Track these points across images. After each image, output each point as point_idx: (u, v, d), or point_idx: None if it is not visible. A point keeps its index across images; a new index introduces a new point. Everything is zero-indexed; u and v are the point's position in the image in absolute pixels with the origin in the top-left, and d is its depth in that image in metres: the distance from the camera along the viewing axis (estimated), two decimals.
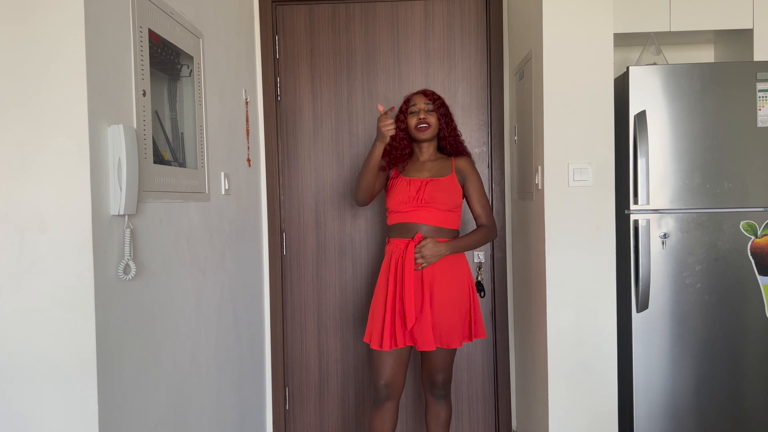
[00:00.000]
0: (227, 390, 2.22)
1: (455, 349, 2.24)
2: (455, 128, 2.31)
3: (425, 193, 2.17)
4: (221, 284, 2.18)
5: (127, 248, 1.44)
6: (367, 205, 2.31)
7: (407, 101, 2.29)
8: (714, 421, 2.26)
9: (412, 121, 2.24)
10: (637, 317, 2.26)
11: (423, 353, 2.25)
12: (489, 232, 2.25)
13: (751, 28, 2.58)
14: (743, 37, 2.66)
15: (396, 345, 2.14)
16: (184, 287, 1.83)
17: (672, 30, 2.61)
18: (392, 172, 2.30)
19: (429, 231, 2.17)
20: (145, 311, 1.57)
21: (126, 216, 1.44)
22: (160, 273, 1.66)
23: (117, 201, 1.40)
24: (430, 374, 2.27)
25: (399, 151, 2.26)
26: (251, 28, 2.75)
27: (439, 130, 2.27)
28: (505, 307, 2.81)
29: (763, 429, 2.26)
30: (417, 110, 2.24)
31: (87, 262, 1.32)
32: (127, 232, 1.44)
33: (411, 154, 2.32)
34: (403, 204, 2.20)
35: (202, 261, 1.98)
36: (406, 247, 2.15)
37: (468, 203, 2.28)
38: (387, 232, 2.31)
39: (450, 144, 2.29)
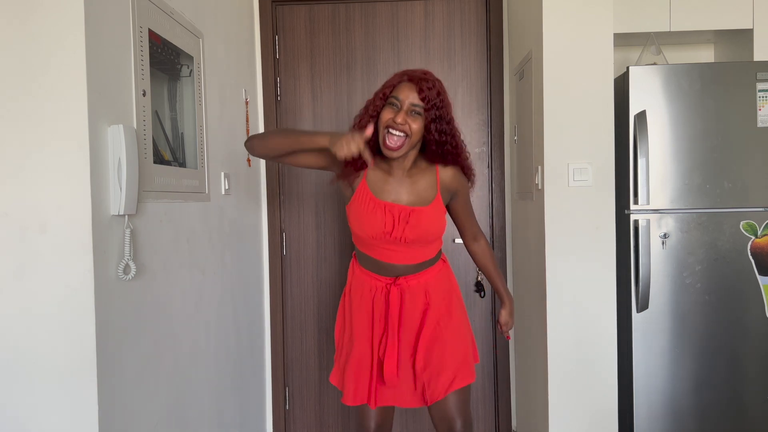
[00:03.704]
0: (227, 390, 2.22)
1: (468, 387, 1.82)
2: (455, 135, 1.69)
3: (407, 230, 1.65)
4: (221, 284, 2.18)
5: (127, 248, 1.43)
6: (258, 157, 1.77)
7: (391, 86, 1.65)
8: (714, 421, 2.26)
9: (384, 117, 1.61)
10: (637, 317, 2.26)
11: (432, 406, 1.79)
12: (490, 247, 1.96)
13: (751, 28, 2.58)
14: (743, 37, 2.66)
15: (376, 404, 1.75)
16: (184, 287, 1.83)
17: (672, 30, 2.61)
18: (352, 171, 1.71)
19: (412, 269, 1.74)
20: (145, 311, 1.57)
21: (126, 216, 1.44)
22: (160, 273, 1.65)
23: (117, 201, 1.40)
24: (446, 422, 1.77)
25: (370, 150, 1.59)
26: (251, 28, 2.75)
27: (428, 141, 1.67)
28: None
29: (763, 429, 2.26)
30: (397, 106, 1.61)
31: (87, 262, 1.32)
32: (127, 232, 1.43)
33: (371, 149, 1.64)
34: (375, 239, 1.69)
35: (202, 261, 1.98)
36: (386, 288, 1.73)
37: (454, 218, 1.86)
38: (356, 252, 1.85)
39: (450, 153, 1.70)
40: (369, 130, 1.52)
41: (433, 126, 1.63)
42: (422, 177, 1.73)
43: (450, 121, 1.67)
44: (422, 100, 1.61)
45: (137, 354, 1.53)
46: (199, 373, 1.93)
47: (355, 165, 1.68)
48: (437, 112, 1.63)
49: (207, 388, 2.01)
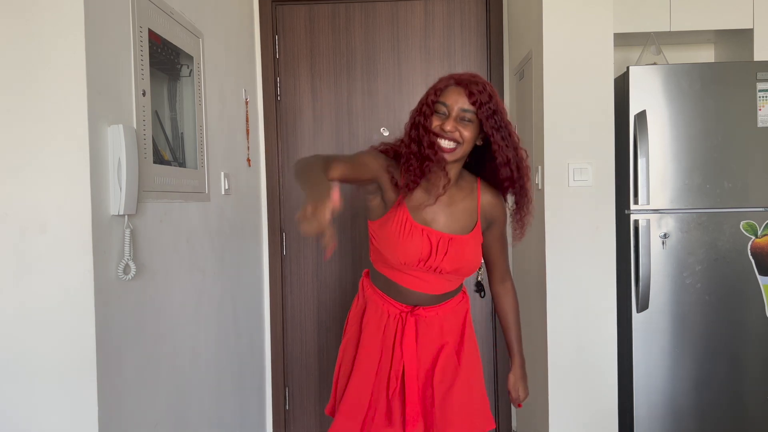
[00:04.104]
0: (227, 390, 2.22)
1: None
2: (517, 149, 1.48)
3: (445, 261, 1.47)
4: (221, 284, 2.18)
5: (127, 248, 1.43)
6: None
7: (437, 91, 1.45)
8: (714, 421, 2.26)
9: (435, 123, 1.43)
10: (637, 317, 2.26)
11: None
12: (516, 297, 1.72)
13: (751, 28, 2.58)
14: (743, 37, 2.66)
15: None
16: (184, 287, 1.83)
17: (672, 30, 2.61)
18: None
19: (430, 300, 1.55)
20: (145, 311, 1.57)
21: (126, 216, 1.44)
22: (160, 273, 1.65)
23: (117, 201, 1.40)
24: None
25: (428, 164, 1.42)
26: (251, 28, 2.75)
27: (489, 150, 1.47)
28: None
29: (764, 429, 2.26)
30: (446, 113, 1.43)
31: (87, 262, 1.32)
32: (127, 232, 1.43)
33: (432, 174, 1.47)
34: (407, 267, 1.49)
35: (202, 261, 1.98)
36: (402, 317, 1.54)
37: (485, 251, 1.64)
38: (371, 270, 1.66)
39: (510, 176, 1.48)
40: (335, 195, 1.13)
41: (493, 136, 1.43)
42: (462, 200, 1.53)
43: (509, 132, 1.45)
44: (473, 104, 1.41)
45: (137, 354, 1.52)
46: (199, 373, 1.93)
47: (409, 187, 1.45)
48: (495, 122, 1.42)
49: (207, 388, 2.00)
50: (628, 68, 2.24)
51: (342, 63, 2.82)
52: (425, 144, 1.42)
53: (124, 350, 1.46)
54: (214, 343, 2.09)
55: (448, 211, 1.51)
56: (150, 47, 1.62)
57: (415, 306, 1.55)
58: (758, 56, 2.57)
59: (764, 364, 2.25)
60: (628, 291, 2.29)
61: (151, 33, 1.63)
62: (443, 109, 1.43)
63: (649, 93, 2.23)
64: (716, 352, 2.25)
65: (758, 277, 2.25)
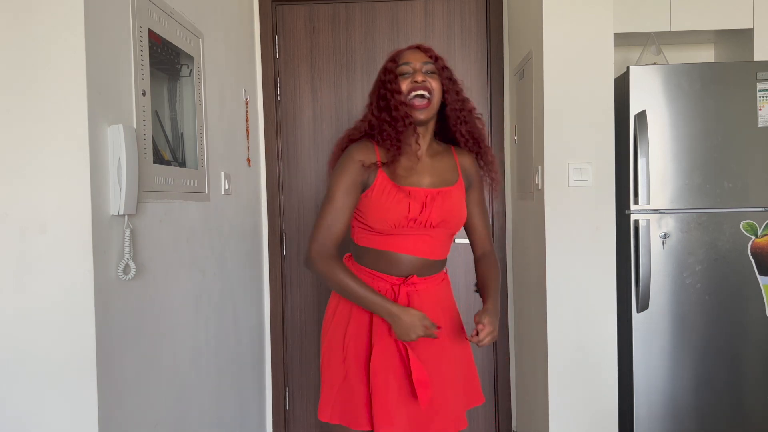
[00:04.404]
0: (227, 390, 2.22)
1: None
2: (467, 99, 1.59)
3: (434, 212, 1.51)
4: (221, 284, 2.18)
5: (127, 248, 1.43)
6: None
7: (393, 59, 1.55)
8: (714, 421, 2.26)
9: (404, 86, 1.50)
10: (637, 317, 2.26)
11: None
12: (498, 265, 1.69)
13: (751, 28, 2.58)
14: (743, 37, 2.66)
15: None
16: (184, 287, 1.83)
17: (672, 30, 2.61)
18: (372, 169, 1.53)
19: (422, 267, 1.56)
20: (145, 311, 1.57)
21: (126, 216, 1.44)
22: (160, 273, 1.65)
23: (117, 201, 1.40)
24: None
25: (401, 129, 1.50)
26: (251, 28, 2.75)
27: (444, 105, 1.57)
28: (505, 307, 2.81)
29: (764, 429, 2.26)
30: (411, 70, 1.51)
31: (87, 263, 1.32)
32: (127, 232, 1.43)
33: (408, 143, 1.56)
34: (398, 226, 1.50)
35: (202, 261, 1.98)
36: (394, 290, 1.53)
37: (468, 218, 1.68)
38: (352, 250, 1.64)
39: (463, 125, 1.57)
40: (436, 332, 1.44)
41: (451, 90, 1.55)
42: (441, 159, 1.60)
43: (459, 88, 1.58)
44: (431, 57, 1.54)
45: (137, 354, 1.52)
46: (199, 373, 1.93)
47: (391, 156, 1.53)
48: (449, 74, 1.56)
49: (207, 388, 2.01)
50: (628, 68, 2.24)
51: (342, 63, 2.82)
52: (395, 106, 1.49)
53: (124, 350, 1.46)
54: (214, 343, 2.09)
55: (432, 171, 1.57)
56: (150, 47, 1.62)
57: (408, 277, 1.54)
58: (758, 56, 2.57)
59: (764, 364, 2.25)
60: (628, 291, 2.29)
61: (151, 33, 1.63)
62: (407, 68, 1.52)
63: (649, 93, 2.23)
64: (716, 352, 2.25)
65: (758, 277, 2.25)
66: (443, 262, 1.64)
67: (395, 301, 1.52)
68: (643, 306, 2.25)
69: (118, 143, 1.39)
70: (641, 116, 2.22)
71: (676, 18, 2.60)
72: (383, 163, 1.52)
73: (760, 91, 2.22)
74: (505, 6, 2.76)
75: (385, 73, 1.54)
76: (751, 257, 2.25)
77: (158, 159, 1.67)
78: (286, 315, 2.88)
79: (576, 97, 2.07)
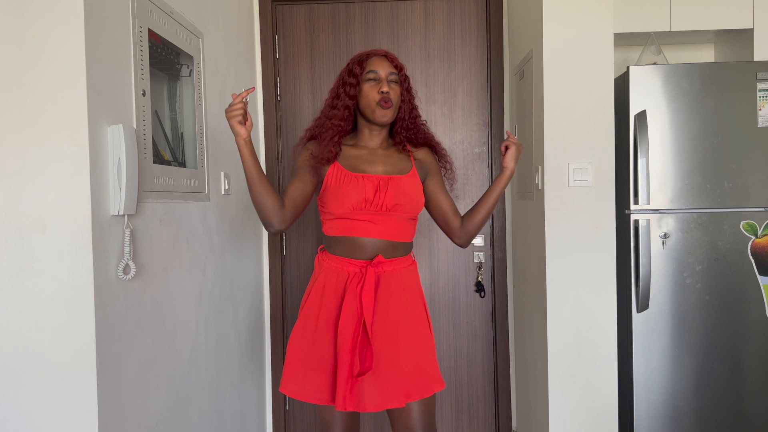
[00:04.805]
0: (227, 390, 2.22)
1: (435, 397, 1.74)
2: (417, 108, 1.80)
3: (387, 196, 1.65)
4: (221, 284, 2.18)
5: (126, 248, 1.43)
6: (286, 227, 1.64)
7: (360, 62, 1.71)
8: (714, 421, 2.26)
9: (371, 94, 1.67)
10: (637, 317, 2.26)
11: (394, 414, 1.69)
12: None
13: (751, 28, 2.58)
14: (743, 37, 2.66)
15: (350, 407, 1.61)
16: (184, 287, 1.83)
17: (672, 30, 2.61)
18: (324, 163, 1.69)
19: (389, 249, 1.68)
20: (145, 311, 1.57)
21: (126, 216, 1.44)
22: (160, 273, 1.65)
23: (117, 201, 1.40)
24: None
25: (344, 134, 1.72)
26: (251, 28, 2.75)
27: (400, 115, 1.76)
28: (505, 307, 2.81)
29: (764, 429, 2.26)
30: (377, 79, 1.68)
31: (87, 262, 1.32)
32: (127, 232, 1.44)
33: (345, 134, 1.74)
34: (356, 210, 1.64)
35: (202, 261, 1.98)
36: (361, 271, 1.65)
37: (434, 201, 1.80)
38: (324, 242, 1.76)
39: (410, 129, 1.77)
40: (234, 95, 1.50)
41: (406, 98, 1.75)
42: (395, 153, 1.78)
43: (413, 97, 1.79)
44: (396, 68, 1.72)
45: (137, 354, 1.53)
46: (199, 373, 1.94)
47: (322, 157, 1.69)
48: (408, 85, 1.76)
49: (207, 388, 2.01)
50: (628, 68, 2.24)
51: (342, 63, 2.81)
52: (344, 118, 1.72)
53: (124, 350, 1.46)
54: (214, 342, 2.09)
55: (385, 161, 1.74)
56: (150, 47, 1.62)
57: (372, 259, 1.67)
58: (758, 56, 2.57)
59: (764, 364, 2.26)
60: (628, 291, 2.29)
61: (151, 33, 1.63)
62: (374, 76, 1.69)
63: (649, 93, 2.23)
64: (716, 352, 2.25)
65: (758, 277, 2.25)
66: (408, 245, 1.76)
67: (364, 279, 1.64)
68: (643, 306, 2.25)
69: (118, 143, 1.39)
70: (641, 116, 2.22)
71: (676, 18, 2.60)
72: (336, 156, 1.70)
73: (760, 91, 2.22)
74: (505, 6, 2.76)
75: (349, 75, 1.71)
76: (751, 257, 2.25)
77: (158, 159, 1.67)
78: (286, 315, 2.88)
79: (576, 97, 2.07)
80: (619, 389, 2.16)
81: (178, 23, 1.82)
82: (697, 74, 2.23)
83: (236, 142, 1.52)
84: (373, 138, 1.75)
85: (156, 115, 1.70)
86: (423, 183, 1.78)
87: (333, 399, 1.64)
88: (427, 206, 1.82)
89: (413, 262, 1.79)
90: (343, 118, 1.71)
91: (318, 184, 1.72)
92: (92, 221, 1.33)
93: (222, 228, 2.20)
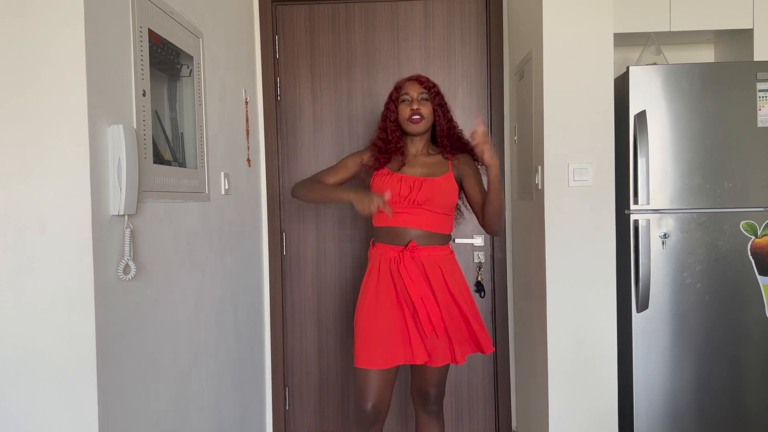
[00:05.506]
0: (227, 390, 2.22)
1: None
2: (452, 120, 2.11)
3: (420, 193, 1.97)
4: (221, 284, 2.18)
5: (126, 248, 1.43)
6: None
7: (398, 88, 2.09)
8: (714, 421, 2.26)
9: (405, 112, 2.04)
10: (637, 317, 2.26)
11: (415, 368, 2.08)
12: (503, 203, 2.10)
13: (751, 28, 2.58)
14: (743, 37, 2.66)
15: (413, 360, 1.94)
16: (184, 287, 1.83)
17: (672, 30, 2.61)
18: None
19: (422, 237, 2.00)
20: (145, 311, 1.57)
21: (126, 216, 1.44)
22: (160, 273, 1.65)
23: (117, 201, 1.40)
24: (424, 389, 2.09)
25: (392, 145, 2.06)
26: (251, 28, 2.75)
27: (435, 122, 2.09)
28: (505, 307, 2.81)
29: (764, 429, 2.26)
30: (410, 99, 2.05)
31: (87, 262, 1.32)
32: (127, 232, 1.43)
33: (402, 148, 2.11)
34: (393, 204, 1.98)
35: (202, 261, 1.98)
36: (400, 255, 1.98)
37: (469, 197, 2.09)
38: (372, 233, 2.12)
39: (447, 138, 2.08)
40: (387, 196, 1.86)
41: (439, 111, 2.07)
42: (435, 159, 2.09)
43: (447, 109, 2.10)
44: (425, 88, 2.05)
45: (137, 354, 1.53)
46: (199, 373, 1.94)
47: (389, 144, 2.08)
48: (439, 99, 2.07)
49: (207, 387, 2.01)
50: (628, 68, 2.24)
51: (342, 63, 2.82)
52: (390, 131, 2.09)
53: (124, 350, 1.46)
54: (214, 342, 2.09)
55: (423, 165, 2.07)
56: (150, 47, 1.62)
57: (408, 243, 1.99)
58: (758, 56, 2.57)
59: (764, 364, 2.26)
60: (628, 291, 2.29)
61: (151, 33, 1.63)
62: (407, 97, 2.06)
63: (649, 93, 2.23)
64: (716, 352, 2.25)
65: (758, 277, 2.25)
66: (443, 236, 2.05)
67: (402, 261, 1.97)
68: (643, 306, 2.25)
69: (118, 143, 1.39)
70: (641, 116, 2.22)
71: (676, 18, 2.60)
72: (385, 161, 2.07)
73: (760, 91, 2.22)
74: (505, 6, 2.76)
75: (390, 102, 2.11)
76: (751, 257, 2.25)
77: (158, 159, 1.67)
78: (286, 315, 2.88)
79: (576, 97, 2.07)
80: (619, 389, 2.16)
81: (178, 23, 1.82)
82: (697, 74, 2.23)
83: (351, 199, 1.90)
84: (414, 145, 2.10)
85: (156, 115, 1.70)
86: (461, 183, 2.08)
87: (404, 359, 1.94)
88: (466, 198, 2.12)
89: (451, 252, 2.08)
90: (385, 137, 2.09)
91: (352, 180, 2.15)
92: (92, 221, 1.33)
93: (222, 228, 2.20)
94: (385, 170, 2.06)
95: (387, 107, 2.11)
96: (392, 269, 1.99)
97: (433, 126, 2.12)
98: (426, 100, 2.05)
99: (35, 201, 1.33)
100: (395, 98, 2.08)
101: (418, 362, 1.93)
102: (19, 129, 1.32)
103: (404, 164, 2.07)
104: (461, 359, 1.98)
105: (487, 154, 1.87)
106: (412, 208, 1.99)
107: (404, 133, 2.09)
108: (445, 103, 2.09)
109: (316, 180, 2.12)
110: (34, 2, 1.31)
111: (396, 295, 1.97)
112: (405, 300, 1.96)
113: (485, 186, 2.07)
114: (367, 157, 2.13)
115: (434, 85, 2.07)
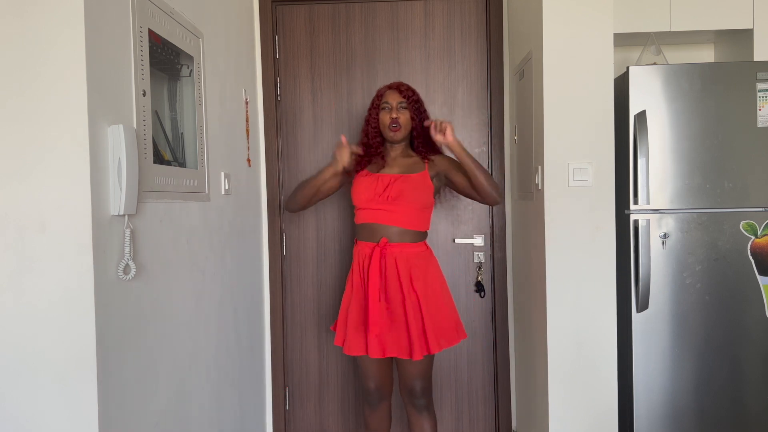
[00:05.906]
0: (227, 390, 2.22)
1: (433, 354, 2.14)
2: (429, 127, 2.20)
3: (393, 190, 2.09)
4: (221, 284, 2.18)
5: (127, 248, 1.43)
6: (301, 211, 2.36)
7: (379, 96, 2.22)
8: (714, 421, 2.26)
9: (385, 119, 2.18)
10: (637, 317, 2.26)
11: (399, 362, 2.16)
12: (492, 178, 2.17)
13: (751, 28, 2.58)
14: (743, 37, 2.66)
15: (367, 353, 2.08)
16: (184, 287, 1.83)
17: (672, 30, 2.61)
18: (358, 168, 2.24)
19: (396, 234, 2.10)
20: (145, 311, 1.57)
21: (126, 216, 1.44)
22: (160, 273, 1.65)
23: (117, 201, 1.40)
24: (408, 383, 2.17)
25: (373, 149, 2.21)
26: (251, 28, 2.75)
27: (412, 128, 2.21)
28: (505, 307, 2.81)
29: (764, 429, 2.26)
30: (389, 107, 2.18)
31: (87, 263, 1.32)
32: (127, 232, 1.44)
33: (382, 152, 2.24)
34: (369, 201, 2.11)
35: (202, 261, 1.98)
36: (371, 252, 2.09)
37: (456, 184, 2.18)
38: (354, 231, 2.23)
39: (422, 143, 2.21)
40: (343, 139, 2.13)
41: (416, 119, 2.19)
42: (412, 161, 2.21)
43: (425, 116, 2.23)
44: (405, 97, 2.18)
45: (137, 354, 1.53)
46: (199, 373, 1.94)
47: (370, 149, 2.23)
48: (417, 106, 2.20)
49: (207, 388, 2.01)
50: (628, 68, 2.24)
51: (342, 63, 2.82)
52: (371, 136, 2.24)
53: (124, 350, 1.46)
54: (214, 342, 2.09)
55: (400, 165, 2.20)
56: (150, 47, 1.62)
57: (380, 240, 2.10)
58: (758, 56, 2.57)
59: (764, 364, 2.26)
60: (628, 291, 2.29)
61: (151, 33, 1.63)
62: (387, 105, 2.19)
63: (649, 93, 2.23)
64: (716, 352, 2.25)
65: (758, 277, 2.25)
66: (417, 234, 2.15)
67: (371, 258, 2.08)
68: (642, 306, 2.25)
69: (118, 143, 1.39)
70: (641, 116, 2.22)
71: (676, 18, 2.60)
72: (366, 163, 2.23)
73: (760, 91, 2.22)
74: (505, 6, 2.76)
75: (372, 108, 2.25)
76: (751, 257, 2.25)
77: (158, 159, 1.67)
78: (286, 315, 2.88)
79: (576, 97, 2.07)
80: (619, 389, 2.16)
81: (178, 23, 1.82)
82: (697, 74, 2.23)
83: (330, 167, 2.14)
84: (394, 149, 2.23)
85: (156, 115, 1.70)
86: (446, 178, 2.19)
87: (366, 350, 2.08)
88: (457, 191, 2.21)
89: (427, 249, 2.18)
90: (366, 141, 2.24)
91: (342, 183, 2.28)
92: (92, 221, 1.33)
93: (222, 228, 2.20)
94: (365, 171, 2.20)
95: (369, 113, 2.25)
96: (363, 266, 2.12)
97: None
98: (405, 108, 2.18)
99: (35, 201, 1.33)
100: (376, 105, 2.22)
101: (372, 356, 2.06)
102: (19, 129, 1.32)
103: (383, 166, 2.21)
104: (418, 355, 2.04)
105: (439, 136, 2.01)
106: (386, 205, 2.10)
107: (384, 139, 2.23)
108: (424, 110, 2.23)
109: (301, 186, 2.26)
110: (34, 2, 1.31)
111: (363, 291, 2.12)
112: (368, 298, 2.08)
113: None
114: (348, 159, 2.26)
115: (414, 93, 2.20)
